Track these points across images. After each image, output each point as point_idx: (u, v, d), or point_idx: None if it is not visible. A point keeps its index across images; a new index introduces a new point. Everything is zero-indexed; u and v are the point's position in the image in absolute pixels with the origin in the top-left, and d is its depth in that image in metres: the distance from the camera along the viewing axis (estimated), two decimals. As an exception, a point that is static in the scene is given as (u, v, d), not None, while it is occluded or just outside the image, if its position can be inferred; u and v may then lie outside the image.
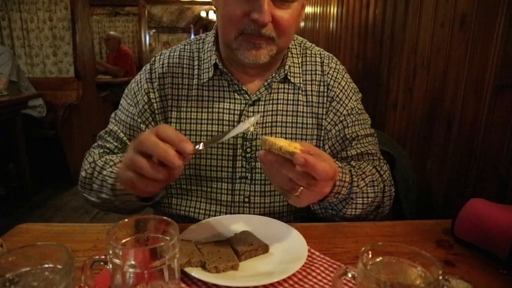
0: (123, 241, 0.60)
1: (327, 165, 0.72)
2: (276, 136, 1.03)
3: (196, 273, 0.70)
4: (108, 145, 1.07)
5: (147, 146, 0.71)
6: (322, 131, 1.07)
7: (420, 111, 1.80)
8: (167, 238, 0.60)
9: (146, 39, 8.45)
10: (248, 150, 1.02)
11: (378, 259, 0.55)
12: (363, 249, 0.54)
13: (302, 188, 0.74)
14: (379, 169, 1.04)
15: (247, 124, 0.77)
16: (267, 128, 1.04)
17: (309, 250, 0.78)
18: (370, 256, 0.54)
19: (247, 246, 0.78)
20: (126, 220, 0.61)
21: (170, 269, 0.59)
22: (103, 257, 0.59)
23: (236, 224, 0.89)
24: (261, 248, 0.78)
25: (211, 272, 0.71)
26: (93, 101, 4.37)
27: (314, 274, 0.73)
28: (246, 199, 1.04)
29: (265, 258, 0.78)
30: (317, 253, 0.80)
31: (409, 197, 1.48)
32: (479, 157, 1.39)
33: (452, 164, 1.53)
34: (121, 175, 0.79)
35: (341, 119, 1.07)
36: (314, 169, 0.70)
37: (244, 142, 1.02)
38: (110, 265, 0.58)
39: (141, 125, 1.05)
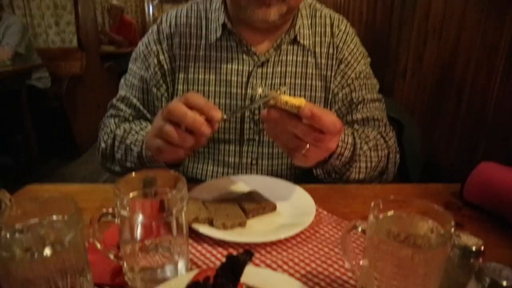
0: (131, 195, 0.60)
1: (334, 117, 0.71)
2: None
3: (204, 229, 0.70)
4: (121, 113, 1.07)
5: (176, 115, 0.71)
6: (330, 94, 1.05)
7: (429, 79, 1.76)
8: (175, 191, 0.59)
9: (150, 9, 8.29)
10: (256, 111, 1.01)
11: (389, 213, 0.55)
12: (373, 203, 0.54)
13: (308, 145, 0.73)
14: (384, 135, 1.02)
15: (273, 93, 0.75)
16: (275, 90, 1.02)
17: (316, 209, 0.77)
18: (381, 208, 0.54)
19: (255, 204, 0.77)
20: (134, 174, 0.61)
21: (178, 223, 0.59)
22: (110, 210, 0.59)
23: (243, 183, 0.89)
24: (269, 206, 0.78)
25: (218, 228, 0.71)
26: (97, 72, 4.32)
27: (322, 232, 0.73)
28: (254, 161, 1.03)
29: (273, 216, 0.78)
30: (324, 212, 0.79)
31: (416, 165, 1.47)
32: (490, 126, 1.37)
33: (461, 133, 1.51)
34: (150, 143, 0.79)
35: (348, 82, 1.04)
36: (321, 121, 0.68)
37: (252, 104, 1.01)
38: (118, 219, 0.58)
39: (153, 89, 1.04)
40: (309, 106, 0.68)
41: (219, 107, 1.00)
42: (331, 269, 0.63)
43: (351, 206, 0.84)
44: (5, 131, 3.37)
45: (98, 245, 0.59)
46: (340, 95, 1.05)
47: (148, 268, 0.60)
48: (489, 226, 0.78)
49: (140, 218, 0.56)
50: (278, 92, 0.70)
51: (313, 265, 0.64)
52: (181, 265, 0.61)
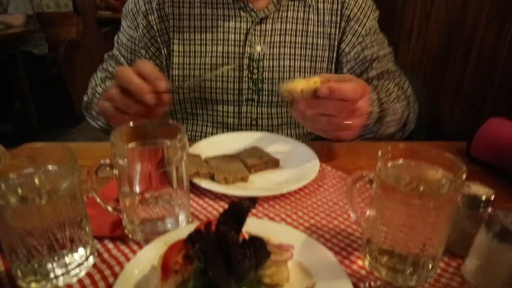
0: (130, 145, 0.58)
1: (353, 84, 0.67)
2: (284, 58, 0.98)
3: (205, 183, 0.68)
4: (110, 69, 1.04)
5: (122, 80, 0.70)
6: (335, 53, 1.01)
7: (436, 39, 1.71)
8: (175, 140, 0.56)
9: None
10: (255, 71, 0.97)
11: (398, 162, 0.52)
12: (380, 151, 0.51)
13: (347, 121, 0.70)
14: (402, 85, 0.99)
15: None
16: (275, 48, 0.97)
17: (320, 165, 0.76)
18: (390, 156, 0.51)
19: (257, 160, 0.76)
20: (132, 124, 0.58)
21: (178, 174, 0.57)
22: (108, 161, 0.57)
23: (245, 140, 0.87)
24: (271, 162, 0.76)
25: (220, 183, 0.69)
26: (94, 38, 4.22)
27: (326, 186, 0.72)
28: (253, 122, 1.01)
29: (276, 171, 0.76)
30: (329, 167, 0.78)
31: (420, 127, 1.44)
32: (498, 86, 1.34)
33: (467, 93, 1.47)
34: (99, 105, 0.80)
35: (359, 40, 1.00)
36: (342, 91, 0.65)
37: (251, 63, 0.97)
38: (116, 171, 0.56)
39: (142, 51, 1.00)
40: (325, 85, 0.65)
41: (216, 67, 0.98)
42: (335, 222, 0.62)
43: (356, 162, 0.82)
44: (4, 99, 3.33)
45: (96, 197, 0.58)
46: (352, 54, 1.00)
47: (148, 220, 0.59)
48: (497, 182, 0.76)
49: (138, 167, 0.54)
50: (287, 83, 0.67)
51: (318, 218, 0.63)
52: (182, 217, 0.60)
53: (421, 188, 0.48)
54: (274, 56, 0.98)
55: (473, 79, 1.44)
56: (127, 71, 0.70)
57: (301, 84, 0.66)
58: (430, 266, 0.50)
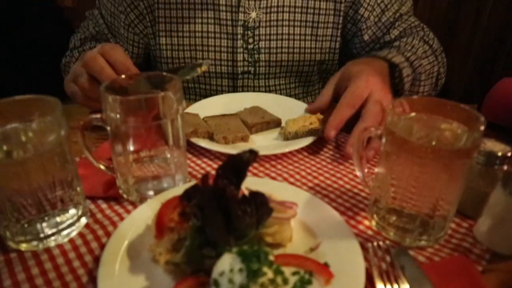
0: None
1: (347, 95, 0.66)
2: (283, 24, 0.90)
3: (203, 143, 0.65)
4: (89, 29, 0.97)
5: (92, 68, 0.68)
6: (341, 18, 0.92)
7: (444, 1, 1.63)
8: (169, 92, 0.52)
9: None
10: (250, 40, 0.89)
11: (409, 116, 0.49)
12: (391, 104, 0.48)
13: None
14: (426, 39, 0.92)
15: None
16: (272, 14, 0.89)
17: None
18: (401, 109, 0.48)
19: (259, 119, 0.72)
20: (123, 76, 0.55)
21: (174, 131, 0.53)
22: (99, 116, 0.53)
23: (246, 99, 0.82)
24: (273, 121, 0.72)
25: (219, 143, 0.66)
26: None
27: (331, 146, 0.68)
28: None
29: (278, 131, 0.72)
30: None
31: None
32: (510, 49, 1.28)
33: (477, 54, 1.42)
34: (66, 85, 0.77)
35: (378, 1, 0.92)
36: (343, 117, 0.65)
37: (245, 32, 0.88)
38: (108, 127, 0.52)
39: (121, 15, 0.91)
40: (328, 129, 0.65)
41: (207, 35, 0.89)
42: (341, 182, 0.59)
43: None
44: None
45: (88, 154, 0.54)
46: (372, 18, 0.92)
47: (143, 179, 0.56)
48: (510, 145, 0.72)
49: (131, 122, 0.50)
50: (286, 126, 0.70)
51: (322, 177, 0.60)
52: (178, 177, 0.57)
53: (434, 142, 0.44)
54: (272, 23, 0.89)
55: (484, 39, 1.39)
56: (98, 59, 0.68)
57: (296, 126, 0.67)
58: (441, 227, 0.48)
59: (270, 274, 0.35)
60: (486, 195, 0.49)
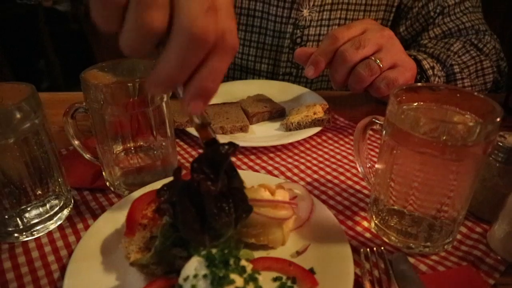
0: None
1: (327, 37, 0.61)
2: (334, 22, 0.84)
3: (199, 133, 0.61)
4: None
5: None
6: (392, 14, 0.85)
7: None
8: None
9: None
10: (299, 40, 0.83)
11: (414, 105, 0.43)
12: (393, 91, 0.42)
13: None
14: (476, 42, 0.82)
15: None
16: (325, 12, 0.82)
17: (332, 116, 0.67)
18: (404, 98, 0.42)
19: (260, 107, 0.67)
20: (111, 62, 0.51)
21: (159, 119, 0.50)
22: (84, 104, 0.50)
23: (250, 87, 0.78)
24: (277, 110, 0.68)
25: (216, 133, 0.62)
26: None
27: (335, 138, 0.63)
28: None
29: (281, 121, 0.68)
30: (341, 118, 0.69)
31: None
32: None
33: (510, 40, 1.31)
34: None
35: None
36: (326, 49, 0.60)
37: (295, 31, 0.82)
38: (91, 114, 0.49)
39: None
40: (308, 69, 0.61)
41: (252, 30, 0.83)
42: (342, 177, 0.54)
43: (372, 113, 0.72)
44: (28, 57, 3.33)
45: (74, 142, 0.52)
46: (415, 10, 0.84)
47: (129, 171, 0.53)
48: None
49: (114, 110, 0.47)
50: (289, 116, 0.67)
51: (322, 172, 0.55)
52: (167, 169, 0.54)
53: (443, 136, 0.38)
54: (323, 22, 0.83)
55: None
56: None
57: (299, 116, 0.64)
58: (449, 231, 0.42)
59: (239, 281, 0.31)
60: (505, 196, 0.43)
